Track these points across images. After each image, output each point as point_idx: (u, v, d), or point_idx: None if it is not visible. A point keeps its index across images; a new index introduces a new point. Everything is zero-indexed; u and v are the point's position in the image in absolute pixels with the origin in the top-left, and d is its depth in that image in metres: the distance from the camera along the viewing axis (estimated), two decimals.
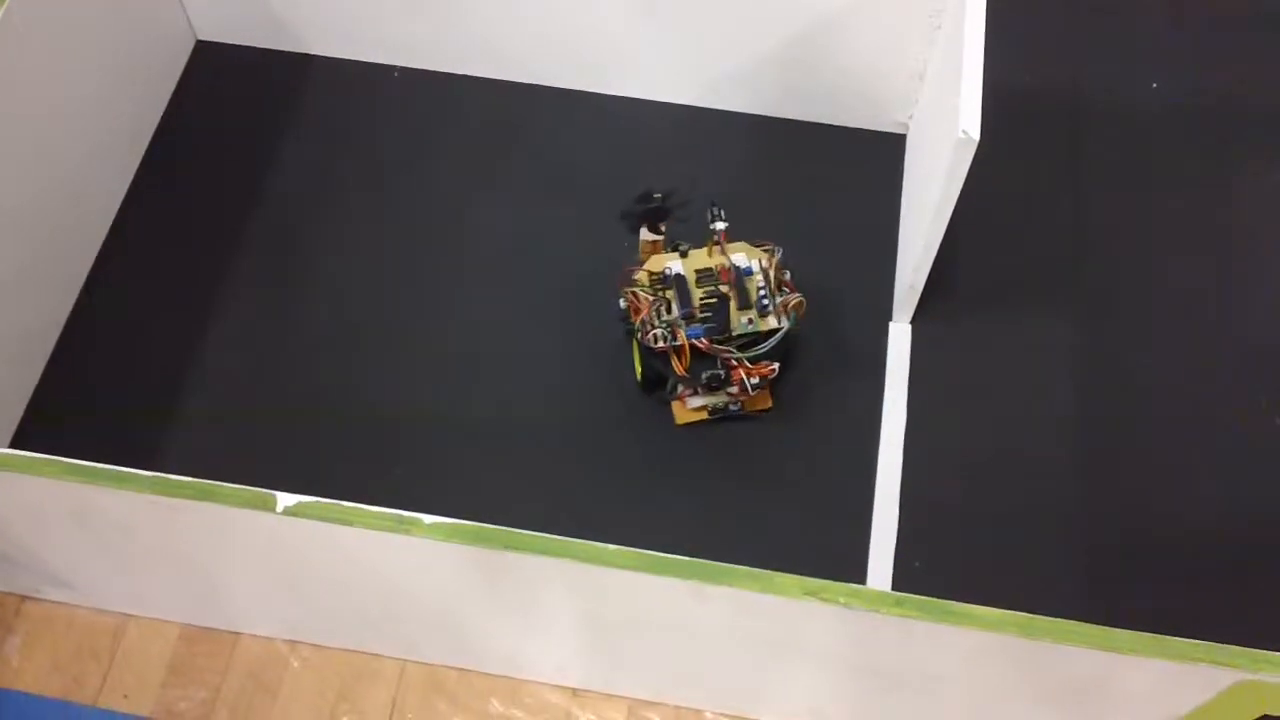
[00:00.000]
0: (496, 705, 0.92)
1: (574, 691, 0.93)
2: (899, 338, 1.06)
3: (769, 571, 0.73)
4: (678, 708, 0.92)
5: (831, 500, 0.99)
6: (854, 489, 0.99)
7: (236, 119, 1.17)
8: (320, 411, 1.02)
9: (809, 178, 1.14)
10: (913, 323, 1.06)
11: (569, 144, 1.16)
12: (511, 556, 0.74)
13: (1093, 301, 1.09)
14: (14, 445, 1.00)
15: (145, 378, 1.03)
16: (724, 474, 1.00)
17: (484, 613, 0.84)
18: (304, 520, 0.74)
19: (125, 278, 1.08)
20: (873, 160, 1.15)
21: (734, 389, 0.96)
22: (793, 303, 0.96)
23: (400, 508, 0.74)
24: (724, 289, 0.96)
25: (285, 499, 0.74)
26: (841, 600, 0.72)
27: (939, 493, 0.99)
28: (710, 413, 1.01)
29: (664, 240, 1.00)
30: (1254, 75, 1.22)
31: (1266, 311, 1.09)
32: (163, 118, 1.17)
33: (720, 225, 0.97)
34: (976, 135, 0.84)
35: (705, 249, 0.98)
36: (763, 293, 0.96)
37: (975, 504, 0.99)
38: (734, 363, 0.95)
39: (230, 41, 1.21)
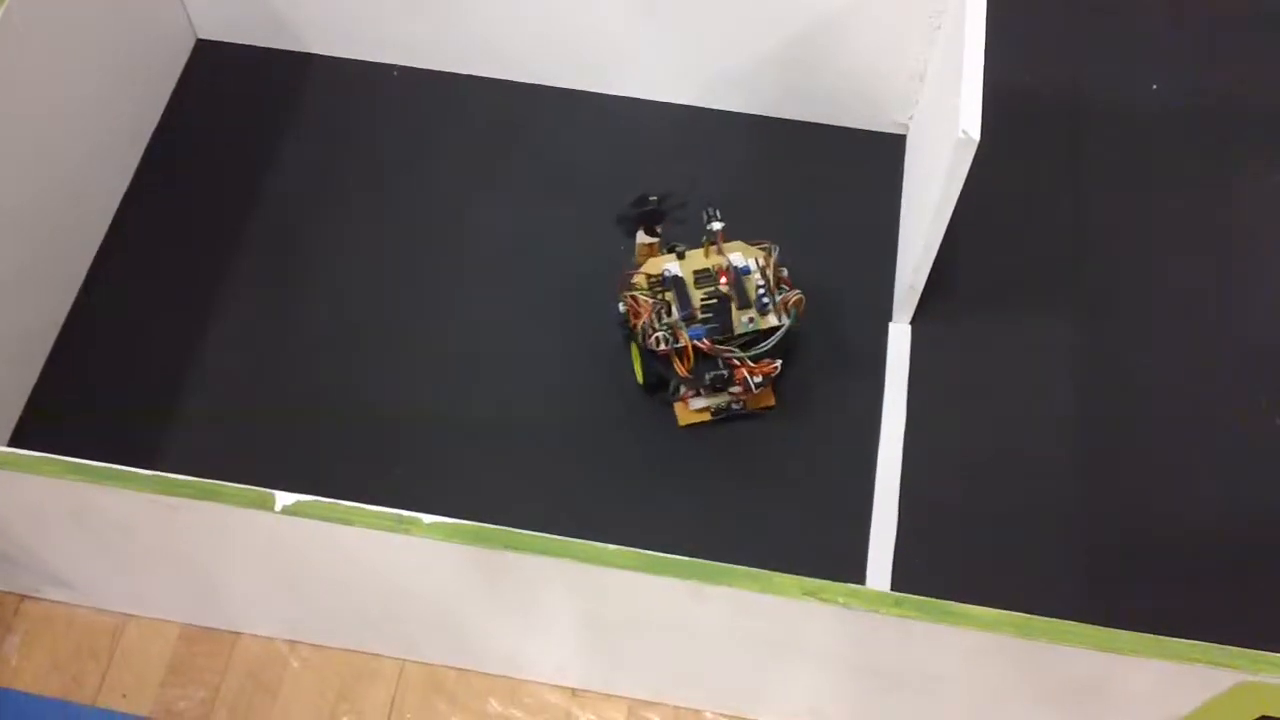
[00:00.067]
0: (496, 705, 0.92)
1: (573, 691, 0.93)
2: (899, 338, 1.06)
3: (768, 572, 0.73)
4: (677, 708, 0.92)
5: (831, 500, 0.99)
6: (854, 489, 0.99)
7: (236, 118, 1.17)
8: (320, 411, 1.02)
9: (809, 178, 1.14)
10: (913, 323, 1.06)
11: (569, 144, 1.16)
12: (511, 556, 0.74)
13: (1093, 301, 1.09)
14: (13, 444, 1.00)
15: (145, 377, 1.03)
16: (723, 474, 1.00)
17: (483, 613, 0.84)
18: (303, 520, 0.74)
19: (125, 277, 1.08)
20: (873, 160, 1.15)
21: (737, 388, 0.96)
22: (793, 300, 0.97)
23: (400, 508, 0.74)
24: (724, 289, 0.96)
25: (284, 498, 0.74)
26: (840, 600, 0.72)
27: (939, 492, 0.99)
28: (713, 413, 1.01)
29: (660, 243, 1.00)
30: (1254, 75, 1.22)
31: (1266, 311, 1.09)
32: (163, 117, 1.17)
33: (717, 225, 0.97)
34: (976, 135, 0.84)
35: (702, 250, 0.98)
36: (762, 291, 0.96)
37: (975, 504, 0.99)
38: (736, 362, 0.95)
39: (230, 40, 1.21)
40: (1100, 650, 0.71)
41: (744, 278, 0.97)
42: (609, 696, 0.93)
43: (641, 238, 0.99)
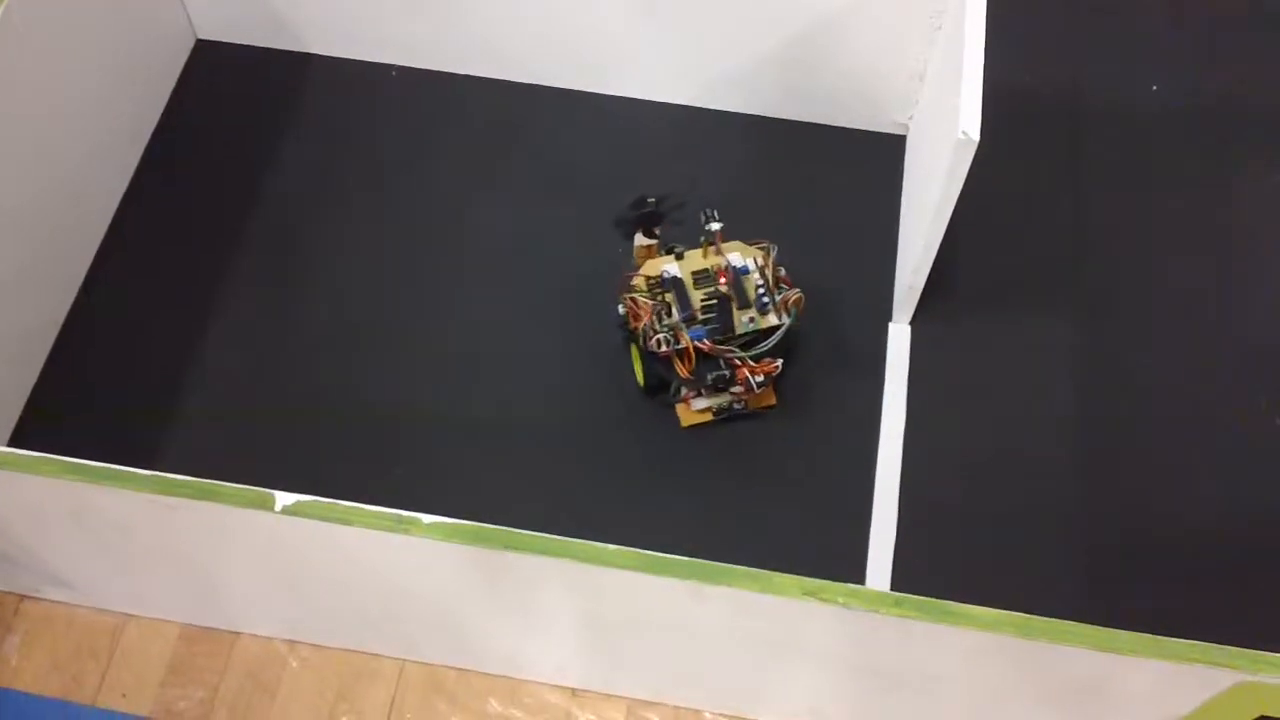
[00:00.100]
0: (495, 705, 0.92)
1: (573, 691, 0.93)
2: (898, 338, 1.06)
3: (768, 572, 0.73)
4: (677, 708, 0.92)
5: (831, 500, 0.99)
6: (854, 489, 0.99)
7: (236, 118, 1.17)
8: (320, 411, 1.02)
9: (809, 178, 1.14)
10: (912, 323, 1.06)
11: (569, 144, 1.16)
12: (511, 556, 0.74)
13: (1093, 301, 1.09)
14: (13, 444, 0.99)
15: (144, 377, 1.03)
16: (723, 474, 1.00)
17: (483, 612, 0.84)
18: (303, 520, 0.74)
19: (124, 277, 1.08)
20: (872, 160, 1.15)
21: (739, 388, 0.96)
22: (792, 299, 0.97)
23: (400, 508, 0.74)
24: (723, 289, 0.96)
25: (284, 498, 0.74)
26: (840, 600, 0.72)
27: (939, 492, 0.99)
28: (715, 413, 1.01)
29: (658, 244, 1.00)
30: (1254, 75, 1.22)
31: (1266, 311, 1.09)
32: (162, 117, 1.17)
33: (715, 226, 0.97)
34: (976, 136, 0.84)
35: (700, 250, 0.98)
36: (761, 290, 0.96)
37: (975, 504, 0.99)
38: (737, 362, 0.95)
39: (230, 40, 1.21)
40: (1100, 650, 0.71)
41: (743, 277, 0.97)
42: (609, 696, 0.93)
43: (639, 239, 0.99)
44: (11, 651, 0.94)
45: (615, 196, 0.98)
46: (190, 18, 1.19)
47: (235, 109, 1.18)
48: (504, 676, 0.93)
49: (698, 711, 0.92)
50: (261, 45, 1.21)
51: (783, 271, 0.98)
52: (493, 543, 0.73)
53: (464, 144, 1.16)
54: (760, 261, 0.98)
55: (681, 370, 0.95)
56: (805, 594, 0.72)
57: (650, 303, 0.96)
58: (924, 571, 0.95)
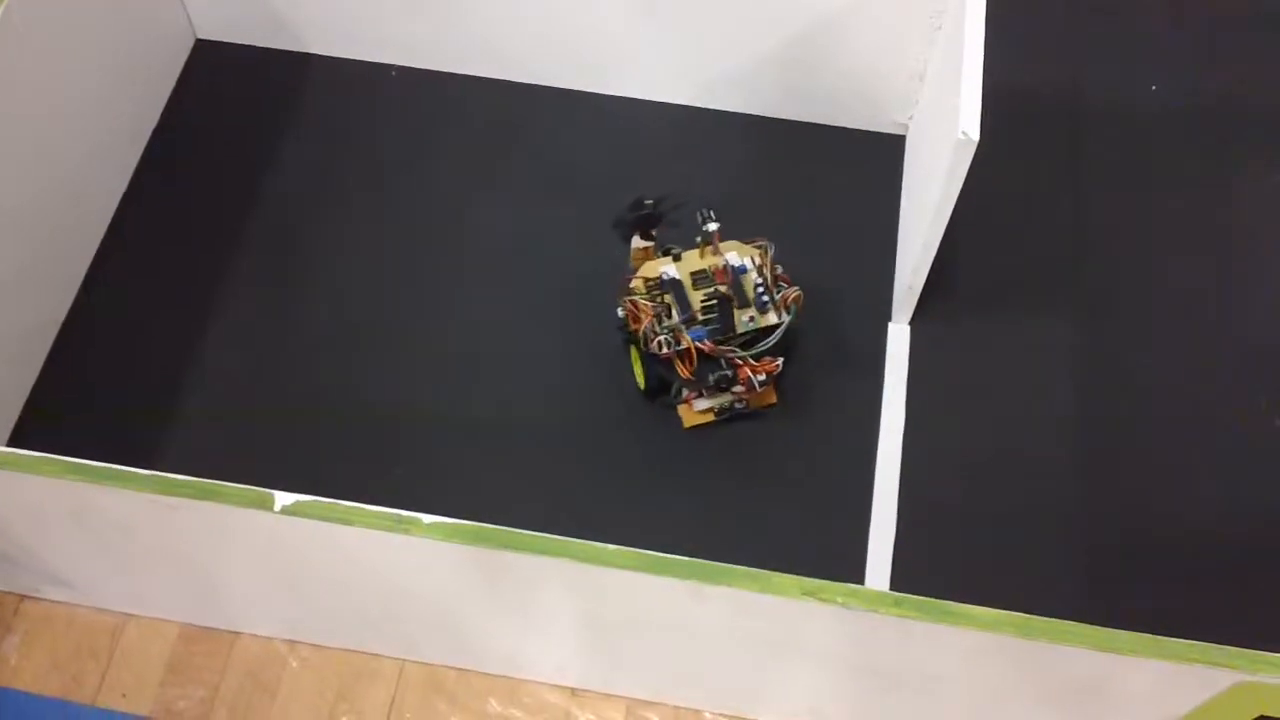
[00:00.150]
0: (495, 705, 0.92)
1: (573, 691, 0.93)
2: (898, 338, 1.06)
3: (767, 571, 0.73)
4: (676, 708, 0.92)
5: (831, 500, 0.99)
6: (853, 489, 0.99)
7: (236, 118, 1.17)
8: (320, 411, 1.02)
9: (809, 178, 1.14)
10: (912, 323, 1.06)
11: (569, 144, 1.16)
12: (510, 556, 0.74)
13: (1093, 301, 1.09)
14: (12, 444, 0.99)
15: (144, 377, 1.03)
16: (723, 474, 1.00)
17: (483, 612, 0.84)
18: (303, 520, 0.74)
19: (124, 276, 1.08)
20: (872, 160, 1.15)
21: (740, 388, 0.96)
22: (791, 296, 0.97)
23: (400, 508, 0.74)
24: (723, 289, 0.96)
25: (284, 498, 0.74)
26: (840, 600, 0.72)
27: (938, 492, 0.99)
28: (717, 414, 1.01)
29: (654, 246, 1.00)
30: (1254, 75, 1.22)
31: (1266, 311, 1.09)
32: (162, 116, 1.17)
33: (712, 226, 0.97)
34: (976, 136, 0.84)
35: (697, 251, 0.98)
36: (760, 289, 0.96)
37: (974, 504, 0.99)
38: (739, 361, 0.95)
39: (230, 40, 1.21)
40: (1100, 650, 0.71)
41: (741, 277, 0.97)
42: (608, 696, 0.93)
43: (636, 242, 0.98)
44: (11, 651, 0.94)
45: (615, 196, 0.98)
46: (190, 18, 1.20)
47: (235, 109, 1.18)
48: (504, 676, 0.93)
49: (697, 711, 0.92)
50: (261, 45, 1.21)
51: (780, 269, 0.98)
52: (492, 543, 0.73)
53: (464, 144, 1.16)
54: (758, 260, 0.98)
55: (683, 371, 0.95)
56: (805, 594, 0.72)
57: (650, 305, 0.96)
58: (924, 571, 0.95)
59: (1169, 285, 1.10)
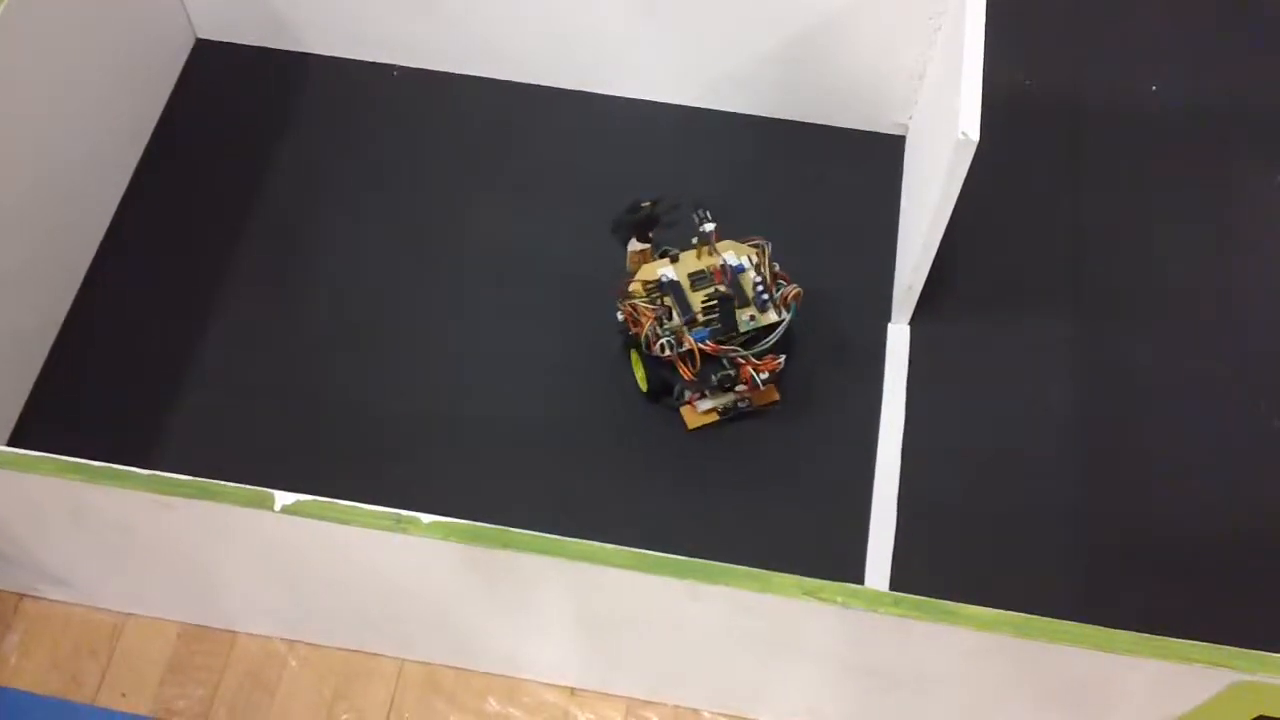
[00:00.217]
0: (494, 704, 0.92)
1: (571, 690, 0.93)
2: (898, 338, 1.06)
3: (766, 571, 0.73)
4: (675, 707, 0.92)
5: (830, 500, 0.99)
6: (853, 489, 0.99)
7: (236, 118, 1.17)
8: (320, 411, 1.02)
9: (808, 179, 1.14)
10: (912, 323, 1.06)
11: (569, 144, 1.16)
12: (509, 556, 0.74)
13: (1093, 301, 1.09)
14: (12, 443, 1.00)
15: (144, 376, 1.03)
16: (722, 474, 1.00)
17: (482, 612, 0.84)
18: (302, 519, 0.74)
19: (124, 276, 1.08)
20: (872, 161, 1.15)
21: (743, 387, 0.96)
22: (791, 294, 0.97)
23: (399, 507, 0.74)
24: (723, 289, 0.96)
25: (283, 498, 0.74)
26: (839, 600, 0.72)
27: (938, 492, 0.99)
28: (721, 413, 1.01)
29: (651, 248, 0.99)
30: (1254, 75, 1.22)
31: (1266, 312, 1.09)
32: (162, 116, 1.17)
33: (709, 226, 0.97)
34: (976, 136, 0.84)
35: (694, 252, 0.98)
36: (760, 288, 0.96)
37: (974, 504, 0.99)
38: (741, 361, 0.95)
39: (230, 40, 1.21)
40: (1099, 650, 0.71)
41: (740, 276, 0.97)
42: (607, 695, 0.93)
43: (633, 245, 0.98)
44: (11, 650, 0.94)
45: (615, 197, 0.98)
46: (190, 18, 1.20)
47: (235, 109, 1.18)
48: (502, 675, 0.93)
49: (696, 711, 0.92)
50: (261, 45, 1.21)
51: (778, 267, 0.98)
52: (491, 542, 0.73)
53: (464, 144, 1.16)
54: (755, 259, 0.98)
55: (686, 373, 0.95)
56: (804, 593, 0.72)
57: (650, 308, 0.96)
58: (923, 571, 0.95)
59: (1169, 285, 1.10)
